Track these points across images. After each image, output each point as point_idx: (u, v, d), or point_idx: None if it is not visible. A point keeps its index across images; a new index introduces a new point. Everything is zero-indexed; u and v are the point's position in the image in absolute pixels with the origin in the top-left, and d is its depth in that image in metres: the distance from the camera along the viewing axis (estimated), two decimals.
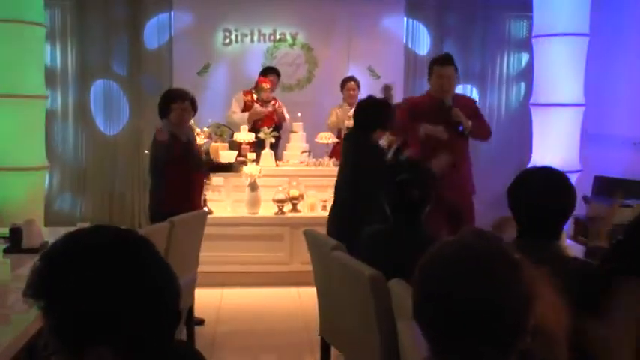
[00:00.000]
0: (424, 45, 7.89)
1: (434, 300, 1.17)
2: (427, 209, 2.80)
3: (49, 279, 1.02)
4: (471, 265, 1.16)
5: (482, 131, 4.46)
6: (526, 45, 7.33)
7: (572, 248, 3.57)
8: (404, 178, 2.74)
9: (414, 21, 7.85)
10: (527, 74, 7.44)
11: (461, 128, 4.31)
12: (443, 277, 1.17)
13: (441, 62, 4.39)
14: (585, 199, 6.13)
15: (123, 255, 1.05)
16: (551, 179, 2.14)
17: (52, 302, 1.02)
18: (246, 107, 6.40)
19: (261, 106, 6.36)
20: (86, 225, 4.13)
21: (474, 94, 7.95)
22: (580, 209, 6.11)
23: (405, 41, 7.81)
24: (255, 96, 6.45)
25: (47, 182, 6.88)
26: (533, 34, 6.08)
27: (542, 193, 2.09)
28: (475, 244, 1.19)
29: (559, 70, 5.79)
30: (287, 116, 6.52)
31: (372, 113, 3.96)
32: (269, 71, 6.66)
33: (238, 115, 6.34)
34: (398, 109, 4.31)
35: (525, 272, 1.17)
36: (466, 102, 4.52)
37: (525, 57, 7.82)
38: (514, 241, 2.15)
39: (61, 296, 1.01)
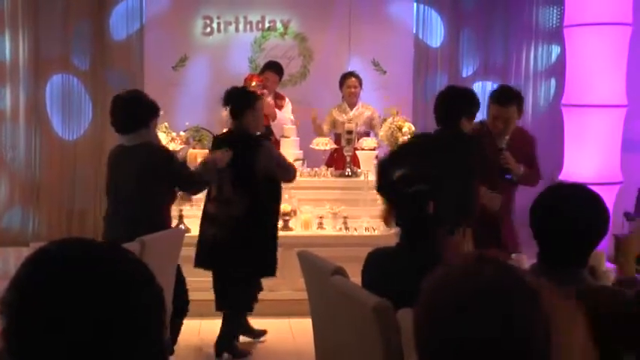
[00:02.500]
0: (437, 35, 7.93)
1: (438, 337, 1.18)
2: (444, 228, 2.81)
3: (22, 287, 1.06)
4: (481, 296, 1.16)
5: (531, 179, 4.49)
6: (557, 36, 7.37)
7: (613, 273, 3.57)
8: (418, 190, 2.75)
9: (426, 7, 7.90)
10: (558, 70, 7.47)
11: (509, 176, 4.31)
12: (446, 312, 1.18)
13: (499, 100, 4.34)
14: (627, 215, 6.14)
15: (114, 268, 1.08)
16: (583, 198, 2.18)
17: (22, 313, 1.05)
18: None
19: None
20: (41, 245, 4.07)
21: None
22: (622, 227, 6.12)
23: (414, 31, 7.85)
24: None
25: None
26: (565, 23, 6.11)
27: (572, 214, 2.13)
28: (483, 272, 1.20)
29: (596, 66, 5.81)
30: (289, 116, 6.50)
31: (456, 102, 4.15)
32: (267, 67, 6.66)
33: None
34: None
35: (542, 297, 1.18)
36: (525, 142, 4.54)
37: (556, 50, 7.86)
38: (532, 266, 2.18)
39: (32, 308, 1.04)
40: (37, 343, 1.03)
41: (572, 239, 2.12)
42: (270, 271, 4.71)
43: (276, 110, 6.52)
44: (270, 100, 6.44)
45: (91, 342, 1.02)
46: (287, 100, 6.71)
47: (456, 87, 4.38)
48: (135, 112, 4.22)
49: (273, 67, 6.68)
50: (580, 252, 2.15)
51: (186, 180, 4.40)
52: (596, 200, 2.17)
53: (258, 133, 4.84)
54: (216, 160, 4.52)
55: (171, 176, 4.26)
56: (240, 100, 4.66)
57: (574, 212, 2.13)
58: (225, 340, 4.72)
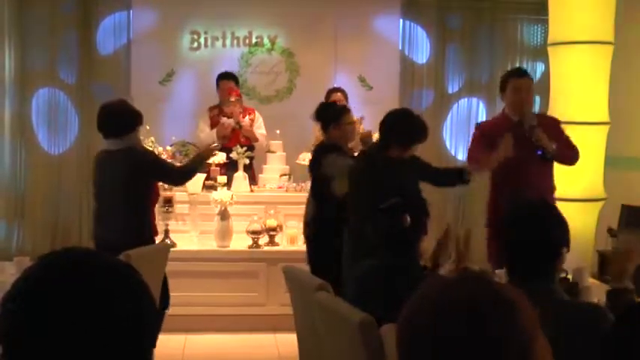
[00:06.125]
0: (423, 51, 7.99)
1: (416, 346, 1.20)
2: (421, 240, 2.84)
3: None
4: (458, 310, 1.18)
5: (567, 154, 4.60)
6: (541, 53, 7.43)
7: (597, 289, 3.59)
8: (393, 202, 2.78)
9: (412, 23, 7.96)
10: (542, 87, 7.52)
11: (540, 152, 4.41)
12: (428, 326, 1.20)
13: (517, 74, 4.62)
14: (611, 231, 6.18)
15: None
16: (537, 213, 2.28)
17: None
18: (213, 124, 6.41)
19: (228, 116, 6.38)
20: (25, 259, 4.07)
21: (481, 108, 8.06)
22: (606, 243, 6.17)
23: (400, 47, 7.91)
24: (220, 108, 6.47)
25: None
26: (549, 41, 6.18)
27: (525, 229, 2.23)
28: (461, 285, 1.23)
29: (580, 83, 5.87)
30: (262, 132, 6.50)
31: (390, 125, 4.15)
32: (227, 77, 6.59)
33: (205, 133, 6.35)
34: (472, 138, 4.65)
35: (523, 311, 1.20)
36: (549, 122, 4.65)
37: (540, 67, 7.94)
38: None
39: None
40: (36, 347, 1.05)
41: (533, 255, 2.19)
42: None
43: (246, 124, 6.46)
44: (231, 122, 6.37)
45: (86, 349, 1.05)
46: (257, 113, 6.65)
47: (400, 110, 4.45)
48: (121, 117, 4.41)
49: (234, 77, 6.62)
50: (544, 267, 2.20)
51: (174, 173, 4.64)
52: (551, 213, 2.28)
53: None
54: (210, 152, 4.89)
55: (159, 171, 4.51)
56: (324, 115, 4.79)
57: (530, 227, 2.22)
58: None
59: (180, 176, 4.71)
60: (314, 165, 4.79)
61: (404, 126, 4.16)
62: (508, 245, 2.25)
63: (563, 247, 2.22)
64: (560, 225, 2.24)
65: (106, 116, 4.42)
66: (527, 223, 2.23)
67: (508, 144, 4.29)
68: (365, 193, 3.97)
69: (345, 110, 4.83)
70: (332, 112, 4.78)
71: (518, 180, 4.35)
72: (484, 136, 4.55)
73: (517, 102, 4.48)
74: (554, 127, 4.61)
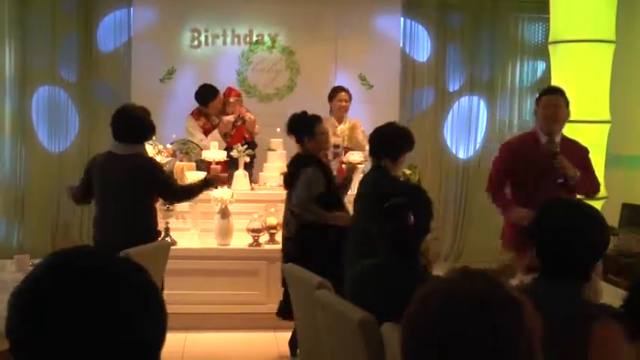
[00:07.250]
0: (424, 50, 7.99)
1: (421, 343, 1.20)
2: (423, 240, 2.83)
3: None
4: (465, 309, 1.19)
5: (589, 184, 4.49)
6: (542, 51, 7.43)
7: (603, 289, 3.58)
8: (397, 202, 2.76)
9: (413, 22, 7.96)
10: (543, 85, 7.50)
11: (562, 180, 4.31)
12: (434, 325, 1.19)
13: (551, 91, 4.55)
14: (612, 230, 6.19)
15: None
16: (585, 213, 2.22)
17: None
18: (206, 132, 6.47)
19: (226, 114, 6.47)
20: (25, 257, 4.05)
21: (481, 107, 8.05)
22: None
23: (401, 45, 7.90)
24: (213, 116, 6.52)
25: None
26: (550, 40, 6.17)
27: (574, 228, 2.16)
28: (464, 287, 1.22)
29: (581, 82, 5.86)
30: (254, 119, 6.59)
31: (378, 140, 4.23)
32: (217, 92, 6.61)
33: (209, 140, 6.33)
34: (494, 160, 4.55)
35: (525, 310, 1.20)
36: (576, 149, 4.54)
37: (541, 65, 7.94)
38: (533, 282, 2.19)
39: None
40: (44, 344, 1.04)
41: (578, 254, 2.14)
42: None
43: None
44: (231, 118, 6.48)
45: (93, 347, 1.05)
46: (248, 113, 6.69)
47: (393, 125, 4.42)
48: (139, 126, 4.35)
49: (217, 91, 6.63)
50: (583, 267, 2.17)
51: (170, 190, 4.54)
52: (598, 214, 2.24)
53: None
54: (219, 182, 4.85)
55: (157, 184, 4.39)
56: (297, 128, 4.77)
57: (580, 226, 2.16)
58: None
59: (179, 195, 4.64)
60: (292, 179, 4.73)
61: (391, 138, 4.23)
62: (550, 244, 2.18)
63: (605, 249, 2.19)
64: (605, 227, 2.20)
65: (126, 119, 4.34)
66: (577, 223, 2.17)
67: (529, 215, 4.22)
68: (369, 192, 4.00)
69: (317, 120, 4.79)
70: (304, 124, 4.74)
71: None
72: (506, 159, 4.47)
73: (548, 116, 4.39)
74: (580, 155, 4.50)
